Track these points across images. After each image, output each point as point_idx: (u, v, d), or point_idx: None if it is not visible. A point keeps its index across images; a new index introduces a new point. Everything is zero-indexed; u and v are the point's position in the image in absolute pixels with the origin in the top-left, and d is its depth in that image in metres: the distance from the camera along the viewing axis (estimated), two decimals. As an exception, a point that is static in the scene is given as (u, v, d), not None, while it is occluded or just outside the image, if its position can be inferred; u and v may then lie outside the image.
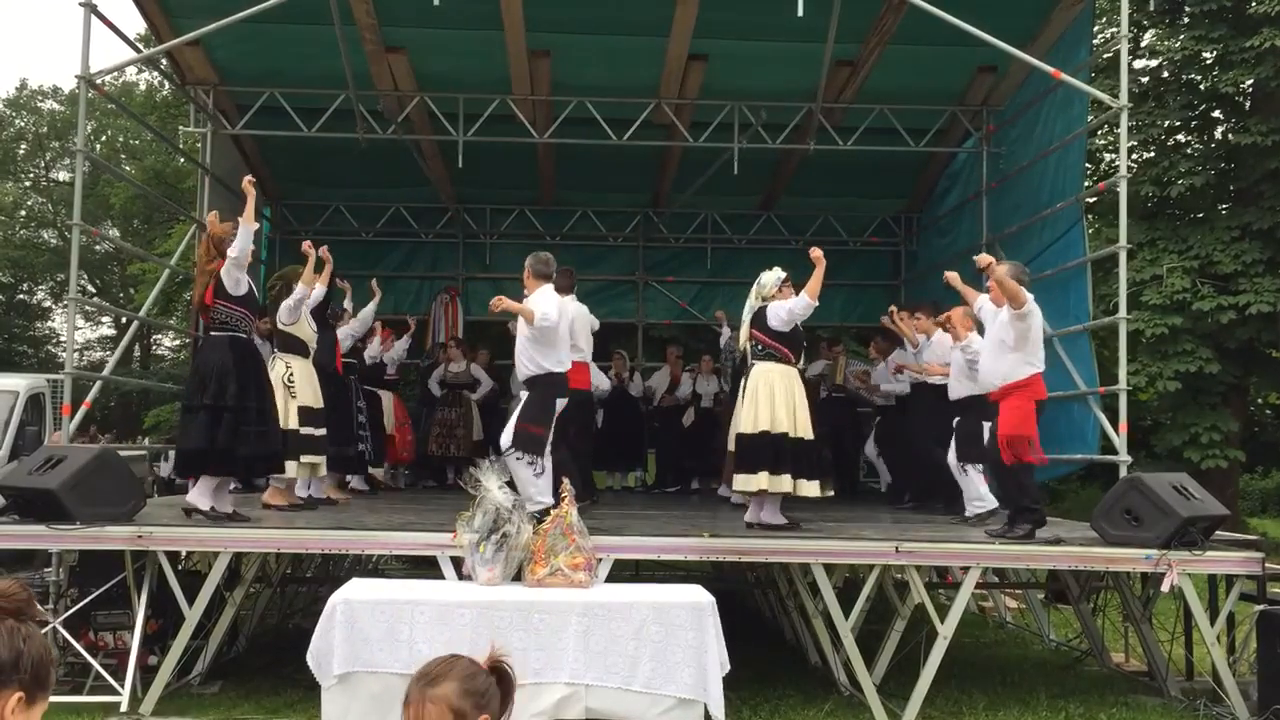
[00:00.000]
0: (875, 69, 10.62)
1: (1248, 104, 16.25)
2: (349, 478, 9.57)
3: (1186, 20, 16.03)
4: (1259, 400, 19.90)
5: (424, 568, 7.09)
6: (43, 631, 2.35)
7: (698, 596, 5.58)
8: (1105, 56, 14.45)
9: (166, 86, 20.91)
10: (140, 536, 6.31)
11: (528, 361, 7.02)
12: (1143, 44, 17.10)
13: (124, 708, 6.07)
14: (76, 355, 11.52)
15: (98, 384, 10.43)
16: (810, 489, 6.90)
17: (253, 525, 6.70)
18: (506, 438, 6.90)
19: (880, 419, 10.67)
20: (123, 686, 6.16)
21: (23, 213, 35.19)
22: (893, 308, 9.72)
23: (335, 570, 9.43)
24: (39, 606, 1.85)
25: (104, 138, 33.66)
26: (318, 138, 11.06)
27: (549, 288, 7.16)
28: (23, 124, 36.00)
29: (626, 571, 7.56)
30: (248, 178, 7.07)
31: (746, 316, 7.27)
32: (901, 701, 6.27)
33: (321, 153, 12.25)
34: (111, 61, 9.26)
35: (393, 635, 5.32)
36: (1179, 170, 15.37)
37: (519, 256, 7.63)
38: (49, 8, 46.48)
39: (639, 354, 14.38)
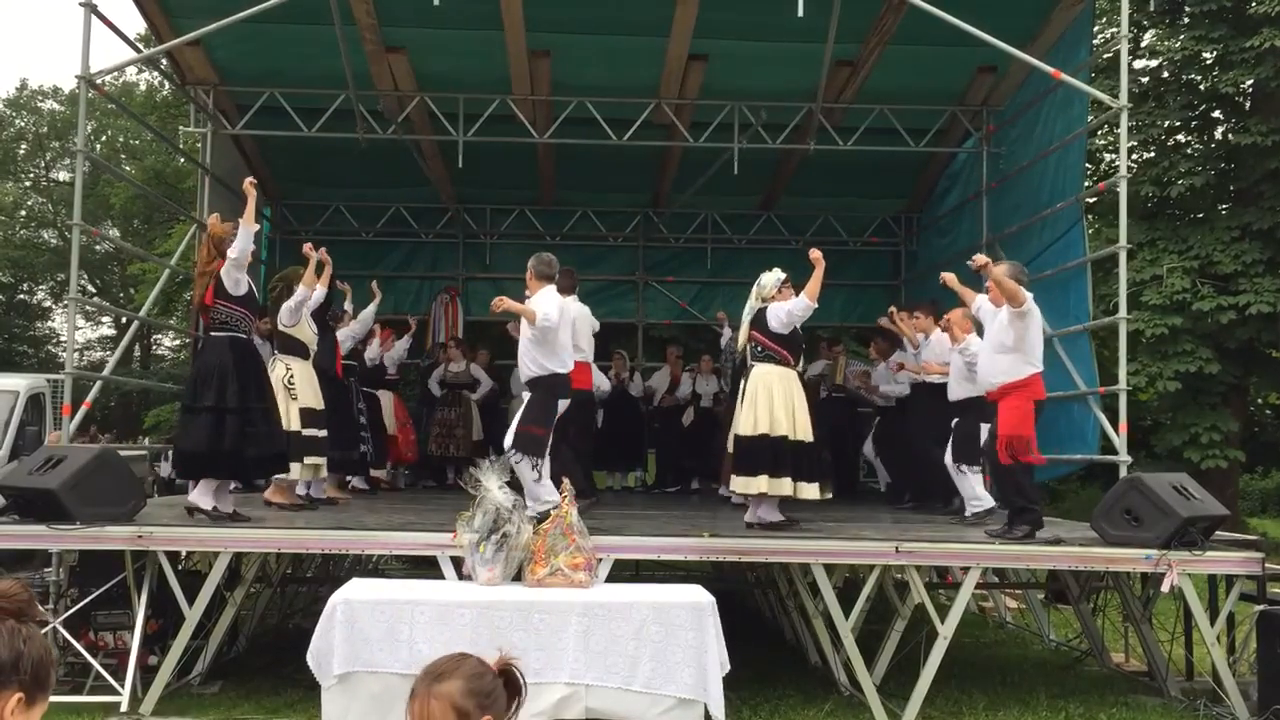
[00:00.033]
0: (875, 69, 10.62)
1: (1248, 104, 16.26)
2: (350, 478, 9.58)
3: (1186, 20, 16.04)
4: (1259, 400, 19.90)
5: (424, 568, 7.09)
6: (43, 631, 2.35)
7: (698, 596, 5.58)
8: (1105, 56, 14.46)
9: (166, 86, 20.91)
10: (140, 536, 6.31)
11: (530, 362, 7.02)
12: (1143, 44, 17.11)
13: (124, 708, 6.07)
14: (76, 355, 11.51)
15: (98, 384, 10.44)
16: (810, 491, 6.91)
17: (253, 525, 6.70)
18: (509, 439, 6.92)
19: (880, 419, 10.67)
20: (123, 686, 6.16)
21: (23, 213, 35.19)
22: (892, 308, 9.72)
23: (335, 570, 9.43)
24: (39, 607, 1.85)
25: (104, 138, 33.67)
26: (318, 138, 11.06)
27: (551, 288, 7.17)
28: (23, 124, 36.00)
29: (626, 571, 7.57)
30: (249, 179, 7.09)
31: (746, 318, 7.28)
32: (901, 701, 6.27)
33: (321, 153, 12.25)
34: (111, 61, 9.27)
35: (393, 635, 5.32)
36: (1179, 170, 15.38)
37: (519, 256, 7.65)
38: (49, 8, 46.56)
39: (639, 354, 14.38)
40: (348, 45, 9.79)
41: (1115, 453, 8.44)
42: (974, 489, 8.09)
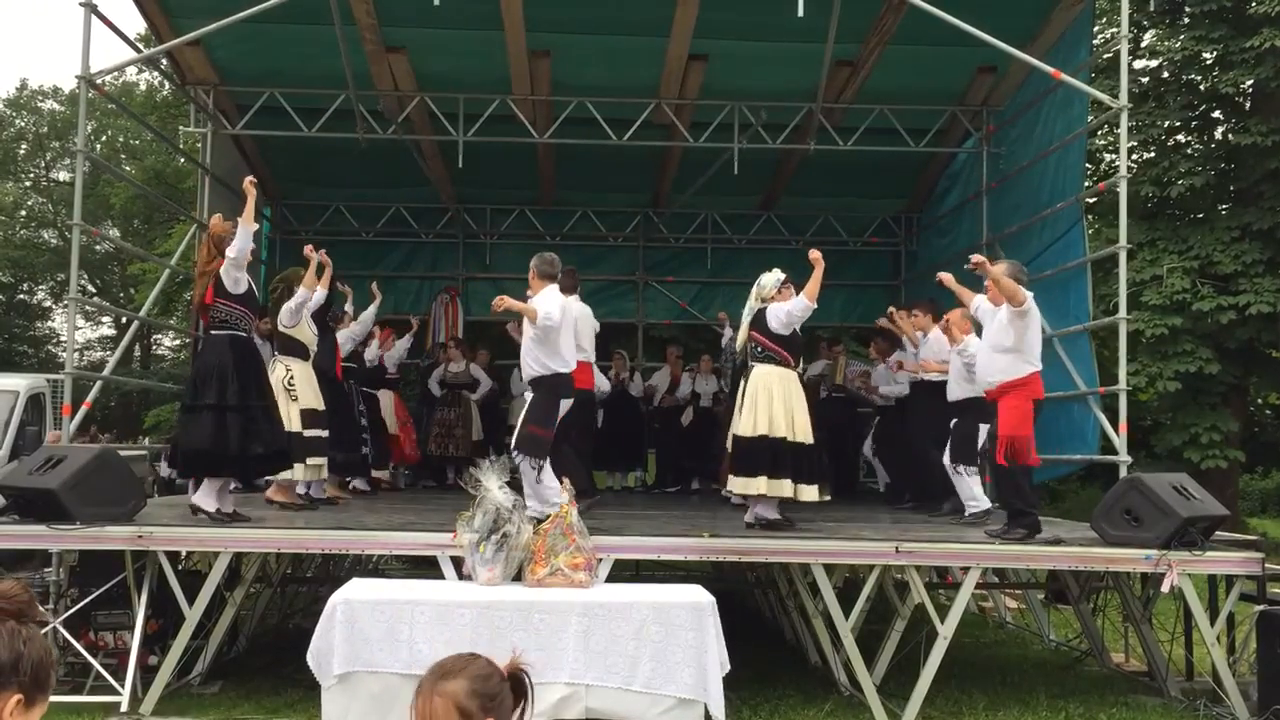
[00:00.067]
0: (875, 69, 10.62)
1: (1248, 104, 16.26)
2: (351, 479, 9.57)
3: (1186, 20, 16.04)
4: (1259, 400, 19.90)
5: (424, 568, 7.09)
6: (43, 631, 2.35)
7: (698, 596, 5.58)
8: (1105, 57, 14.46)
9: (166, 86, 20.91)
10: (140, 536, 6.31)
11: (533, 362, 7.02)
12: (1143, 44, 17.10)
13: (124, 708, 6.07)
14: (76, 355, 11.51)
15: (98, 384, 10.44)
16: (809, 493, 6.91)
17: (253, 525, 6.70)
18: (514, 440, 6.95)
19: (879, 419, 10.67)
20: (123, 686, 6.16)
21: (23, 213, 35.18)
22: (891, 308, 9.72)
23: (335, 570, 9.43)
24: (40, 607, 1.85)
25: (104, 138, 33.66)
26: (318, 138, 11.06)
27: (553, 288, 7.17)
28: (23, 124, 35.99)
29: (626, 571, 7.57)
30: (249, 178, 7.08)
31: (746, 318, 7.28)
32: (901, 701, 6.27)
33: (321, 153, 12.25)
34: (111, 61, 9.27)
35: (393, 635, 5.32)
36: (1179, 170, 15.38)
37: (519, 256, 7.66)
38: (49, 8, 46.54)
39: (639, 354, 14.38)
40: (348, 45, 9.80)
41: (1115, 453, 8.44)
42: (971, 490, 8.08)
